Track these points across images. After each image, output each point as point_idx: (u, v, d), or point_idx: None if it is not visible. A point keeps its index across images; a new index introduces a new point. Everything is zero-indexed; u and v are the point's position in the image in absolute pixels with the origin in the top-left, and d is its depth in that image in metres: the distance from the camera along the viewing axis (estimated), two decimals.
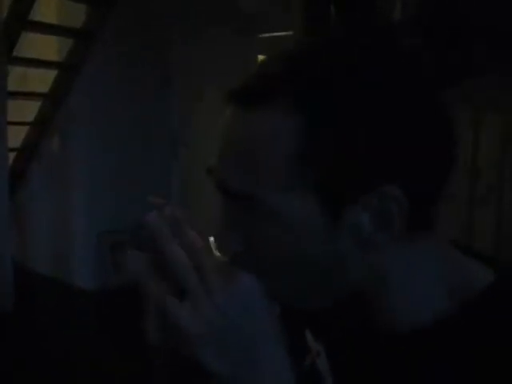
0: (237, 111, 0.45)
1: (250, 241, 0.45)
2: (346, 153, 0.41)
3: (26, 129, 4.01)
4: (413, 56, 0.45)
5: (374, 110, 0.42)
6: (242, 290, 0.43)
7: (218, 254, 0.46)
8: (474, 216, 2.51)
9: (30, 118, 3.95)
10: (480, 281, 0.47)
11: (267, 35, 3.47)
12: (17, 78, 3.82)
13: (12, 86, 3.58)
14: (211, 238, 0.47)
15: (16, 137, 3.88)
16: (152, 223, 0.44)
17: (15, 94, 3.65)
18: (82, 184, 3.92)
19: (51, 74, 3.76)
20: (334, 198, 0.43)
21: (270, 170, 0.43)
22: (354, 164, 0.42)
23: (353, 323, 0.51)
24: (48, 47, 3.78)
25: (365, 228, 0.43)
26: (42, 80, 3.80)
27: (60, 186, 4.04)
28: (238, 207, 0.45)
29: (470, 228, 2.51)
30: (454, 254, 0.50)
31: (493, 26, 2.46)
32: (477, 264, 0.50)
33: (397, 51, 0.46)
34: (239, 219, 0.45)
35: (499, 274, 0.48)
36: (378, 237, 0.43)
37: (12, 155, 3.95)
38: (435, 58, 2.64)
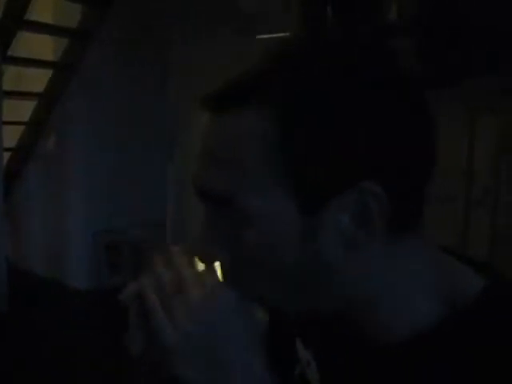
0: (212, 117, 0.45)
1: (231, 247, 0.45)
2: (321, 151, 0.41)
3: (21, 129, 4.00)
4: (394, 55, 0.45)
5: (350, 106, 0.41)
6: (219, 301, 0.44)
7: (200, 266, 0.47)
8: (470, 218, 2.51)
9: (26, 117, 3.94)
10: (471, 286, 0.46)
11: (266, 36, 3.47)
12: (12, 77, 3.81)
13: (7, 85, 3.57)
14: (196, 257, 0.47)
15: (11, 137, 3.87)
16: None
17: (10, 94, 3.64)
18: (77, 184, 3.92)
19: (47, 74, 3.76)
20: (311, 197, 0.42)
21: (246, 171, 0.43)
22: (331, 162, 0.41)
23: (343, 331, 0.50)
24: (43, 47, 3.77)
25: (345, 226, 0.42)
26: (38, 80, 3.79)
27: (56, 185, 4.04)
28: (217, 213, 0.45)
29: (466, 230, 2.51)
30: (443, 258, 0.49)
31: (491, 27, 2.46)
32: (466, 268, 0.49)
33: (378, 50, 0.45)
34: (219, 225, 0.45)
35: (490, 278, 0.47)
36: (358, 234, 0.43)
37: (7, 155, 3.94)
38: (433, 58, 2.64)
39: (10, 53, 3.49)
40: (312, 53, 0.44)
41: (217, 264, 0.46)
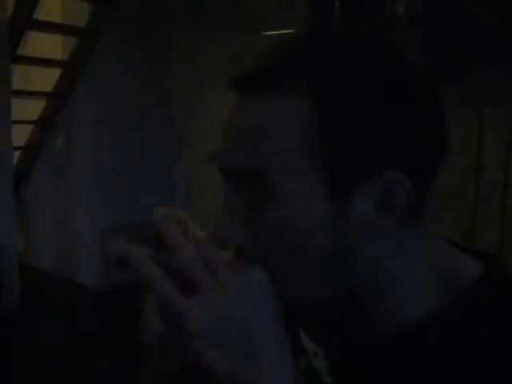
0: (243, 98, 0.45)
1: (254, 230, 0.45)
2: (355, 138, 0.42)
3: (30, 128, 4.02)
4: (413, 50, 0.46)
5: (383, 96, 0.43)
6: (253, 284, 0.43)
7: (222, 251, 0.45)
8: (479, 213, 2.50)
9: (34, 116, 3.96)
10: (471, 273, 0.48)
11: (270, 33, 3.47)
12: (21, 76, 3.83)
13: (16, 84, 3.59)
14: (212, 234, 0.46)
15: (20, 135, 3.90)
16: (161, 220, 0.44)
17: (19, 93, 3.66)
18: (86, 182, 3.94)
19: (55, 73, 3.77)
20: (341, 181, 0.43)
21: (280, 151, 0.43)
22: (363, 149, 0.42)
23: (349, 321, 0.51)
24: (52, 46, 3.79)
25: (369, 213, 0.43)
26: (46, 79, 3.81)
27: (64, 184, 4.06)
28: (242, 191, 0.45)
29: (474, 225, 2.50)
30: (445, 247, 0.51)
31: (496, 27, 2.45)
32: (467, 257, 0.50)
33: (398, 46, 0.46)
34: (243, 206, 0.45)
35: (490, 266, 0.49)
36: (382, 221, 0.44)
37: (16, 154, 3.97)
38: (441, 54, 2.63)
39: (18, 52, 3.51)
40: (344, 42, 0.45)
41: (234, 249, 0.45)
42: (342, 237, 0.44)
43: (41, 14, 3.47)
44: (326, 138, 0.42)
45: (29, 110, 3.90)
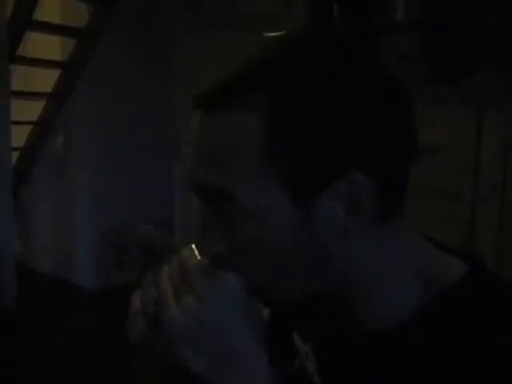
0: (205, 115, 0.46)
1: (228, 240, 0.47)
2: (309, 146, 0.43)
3: (29, 128, 4.02)
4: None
5: (335, 102, 0.43)
6: (228, 287, 0.45)
7: (201, 258, 0.48)
8: (477, 215, 2.51)
9: (34, 117, 3.96)
10: (452, 273, 0.48)
11: (271, 34, 3.47)
12: (20, 77, 3.83)
13: (15, 85, 3.59)
14: (193, 245, 0.49)
15: (19, 136, 3.89)
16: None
17: (19, 94, 3.66)
18: (84, 183, 3.94)
19: (54, 74, 3.78)
20: (304, 190, 0.44)
21: (240, 166, 0.44)
22: (319, 155, 0.43)
23: (334, 321, 0.52)
24: (51, 47, 3.79)
25: (338, 215, 0.44)
26: (46, 80, 3.81)
27: (63, 185, 4.06)
28: (213, 207, 0.47)
29: (472, 227, 2.50)
30: (427, 247, 0.51)
31: (495, 27, 2.46)
32: (449, 257, 0.51)
33: (363, 49, 0.47)
34: (216, 220, 0.47)
35: (471, 266, 0.49)
36: (350, 223, 0.44)
37: (15, 155, 3.96)
38: (440, 56, 2.64)
39: (18, 53, 3.51)
40: (298, 51, 0.45)
41: (215, 257, 0.48)
42: (316, 240, 0.45)
43: (40, 15, 3.47)
44: (281, 149, 0.43)
45: (28, 110, 3.90)
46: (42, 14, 3.51)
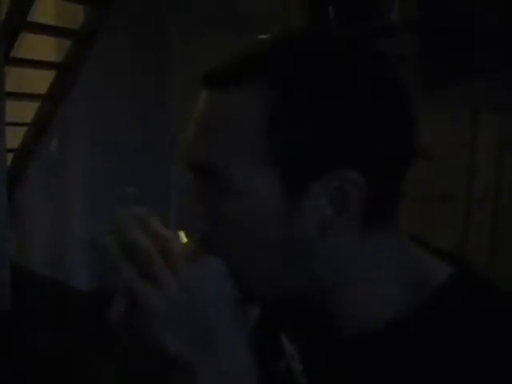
0: (210, 93, 0.47)
1: (214, 221, 0.47)
2: (305, 137, 0.43)
3: (24, 130, 4.01)
4: (378, 51, 0.47)
5: (334, 97, 0.43)
6: (208, 272, 0.45)
7: (185, 242, 0.48)
8: (471, 216, 2.52)
9: (29, 119, 3.95)
10: (439, 275, 0.48)
11: (267, 35, 3.47)
12: (15, 78, 3.82)
13: (10, 86, 3.58)
14: (180, 232, 0.48)
15: (14, 138, 3.88)
16: (120, 217, 0.49)
17: (13, 95, 3.65)
18: (80, 185, 3.93)
19: (49, 75, 3.77)
20: (295, 180, 0.44)
21: (237, 147, 0.45)
22: (314, 148, 0.43)
23: (318, 323, 0.52)
24: (46, 48, 3.78)
25: (323, 210, 0.44)
26: (40, 81, 3.80)
27: (58, 186, 4.05)
28: (203, 185, 0.47)
29: (466, 228, 2.51)
30: (414, 250, 0.51)
31: (494, 27, 2.46)
32: (434, 258, 0.51)
33: (366, 47, 0.47)
34: (204, 198, 0.47)
35: (457, 267, 0.49)
36: (335, 220, 0.44)
37: (10, 156, 3.95)
38: (435, 57, 2.65)
39: (12, 54, 3.50)
40: (306, 43, 0.46)
41: (194, 236, 0.48)
42: (298, 232, 0.45)
43: (35, 16, 3.46)
44: (280, 135, 0.44)
45: (23, 112, 3.89)
46: (37, 15, 3.50)
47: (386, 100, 0.45)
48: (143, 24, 3.85)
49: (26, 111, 3.90)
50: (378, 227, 0.47)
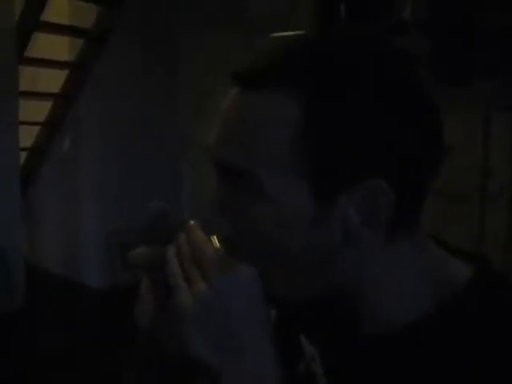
0: (243, 92, 0.46)
1: (240, 224, 0.47)
2: (339, 143, 0.43)
3: (37, 129, 4.04)
4: (405, 56, 0.46)
5: (371, 104, 0.43)
6: (240, 277, 0.45)
7: (219, 248, 0.48)
8: (486, 214, 2.49)
9: (41, 118, 3.98)
10: (461, 276, 0.48)
11: (278, 35, 3.47)
12: (28, 78, 3.85)
13: (23, 86, 3.61)
14: (214, 237, 0.48)
15: (27, 137, 3.91)
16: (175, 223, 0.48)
17: (26, 94, 3.67)
18: (92, 184, 3.95)
19: (62, 75, 3.79)
20: (325, 186, 0.44)
21: (269, 151, 0.44)
22: (347, 155, 0.43)
23: (340, 324, 0.52)
24: (59, 47, 3.81)
25: (351, 220, 0.44)
26: (53, 80, 3.83)
27: (70, 185, 4.07)
28: (232, 187, 0.47)
29: (481, 227, 2.49)
30: (435, 251, 0.51)
31: (506, 27, 2.44)
32: (456, 259, 0.50)
33: (396, 51, 0.47)
34: (232, 200, 0.47)
35: (479, 268, 0.49)
36: (362, 230, 0.44)
37: (23, 155, 3.98)
38: (448, 57, 2.63)
39: (26, 54, 3.52)
40: (342, 48, 0.46)
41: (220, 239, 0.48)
42: (324, 240, 0.45)
43: (48, 16, 3.49)
44: (312, 141, 0.43)
45: (36, 111, 3.92)
46: (50, 15, 3.53)
47: (411, 105, 0.44)
48: (155, 23, 3.87)
49: (38, 110, 3.93)
50: (403, 233, 0.47)
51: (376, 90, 0.43)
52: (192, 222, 0.48)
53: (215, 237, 0.48)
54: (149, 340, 0.48)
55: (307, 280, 0.47)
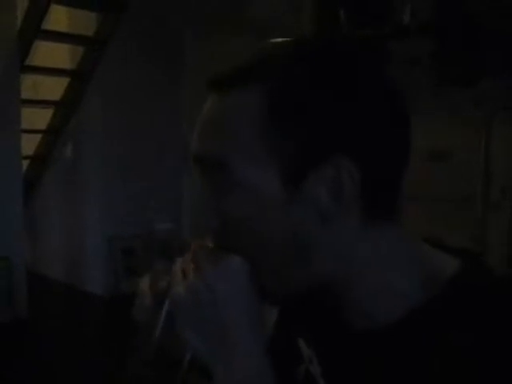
0: (215, 96, 0.50)
1: (221, 217, 0.49)
2: (302, 126, 0.46)
3: (38, 137, 4.06)
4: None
5: (327, 86, 0.46)
6: (230, 268, 0.48)
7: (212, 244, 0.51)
8: (488, 218, 2.49)
9: (43, 125, 3.99)
10: (448, 271, 0.48)
11: (279, 39, 3.48)
12: (29, 86, 3.87)
13: (25, 94, 3.62)
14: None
15: (29, 144, 3.93)
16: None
17: (28, 102, 3.69)
18: (93, 190, 3.96)
19: (63, 82, 3.81)
20: (293, 169, 0.46)
21: (237, 139, 0.47)
22: (310, 137, 0.46)
23: (331, 320, 0.52)
24: (60, 55, 3.82)
25: (321, 199, 0.46)
26: (55, 88, 3.84)
27: (72, 192, 4.08)
28: (209, 180, 0.50)
29: (483, 230, 2.49)
30: (421, 246, 0.52)
31: (505, 28, 2.44)
32: (444, 254, 0.51)
33: (362, 46, 0.50)
34: (211, 194, 0.50)
35: (465, 263, 0.49)
36: (332, 208, 0.46)
37: (25, 163, 3.99)
38: (448, 59, 2.63)
39: (27, 62, 3.54)
40: (303, 45, 0.50)
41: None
42: (300, 224, 0.47)
43: (49, 24, 3.50)
44: (275, 126, 0.46)
45: (38, 119, 3.93)
46: (51, 24, 3.54)
47: (379, 95, 0.47)
48: (155, 30, 3.88)
49: (40, 118, 3.95)
50: (378, 219, 0.48)
51: (339, 72, 0.47)
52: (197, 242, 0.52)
53: (208, 235, 0.51)
54: (146, 338, 0.49)
55: (291, 267, 0.49)
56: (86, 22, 3.69)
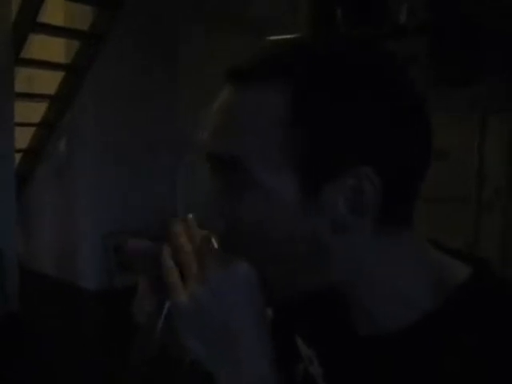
0: (232, 88, 0.48)
1: (232, 218, 0.47)
2: (325, 134, 0.44)
3: (32, 130, 4.03)
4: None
5: (356, 98, 0.44)
6: (235, 273, 0.45)
7: (216, 246, 0.48)
8: (481, 219, 2.50)
9: (37, 119, 3.97)
10: (459, 277, 0.48)
11: (277, 38, 3.47)
12: (24, 79, 3.84)
13: (19, 87, 3.60)
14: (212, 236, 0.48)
15: (23, 138, 3.90)
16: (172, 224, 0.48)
17: (22, 96, 3.67)
18: (87, 185, 3.94)
19: (58, 76, 3.79)
20: (312, 176, 0.44)
21: (257, 140, 0.45)
22: (333, 144, 0.44)
23: (339, 324, 0.52)
24: (55, 49, 3.80)
25: (338, 208, 0.44)
26: (49, 82, 3.82)
27: (66, 187, 4.06)
28: (223, 179, 0.47)
29: (477, 231, 2.50)
30: (433, 252, 0.51)
31: (502, 29, 2.45)
32: (455, 260, 0.51)
33: (386, 53, 0.48)
34: (224, 194, 0.47)
35: (476, 269, 0.49)
36: (349, 219, 0.45)
37: (18, 156, 3.97)
38: (444, 59, 2.64)
39: (22, 55, 3.52)
40: (325, 47, 0.47)
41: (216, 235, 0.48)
42: (315, 231, 0.45)
43: (44, 18, 3.48)
44: (298, 131, 0.44)
45: (31, 112, 3.91)
46: (46, 17, 3.52)
47: (399, 100, 0.45)
48: (152, 25, 3.87)
49: (34, 112, 3.92)
50: (394, 227, 0.47)
51: (359, 80, 0.44)
52: (191, 216, 0.48)
53: (213, 236, 0.47)
54: (147, 338, 0.48)
55: (301, 273, 0.47)
56: (82, 16, 3.67)
